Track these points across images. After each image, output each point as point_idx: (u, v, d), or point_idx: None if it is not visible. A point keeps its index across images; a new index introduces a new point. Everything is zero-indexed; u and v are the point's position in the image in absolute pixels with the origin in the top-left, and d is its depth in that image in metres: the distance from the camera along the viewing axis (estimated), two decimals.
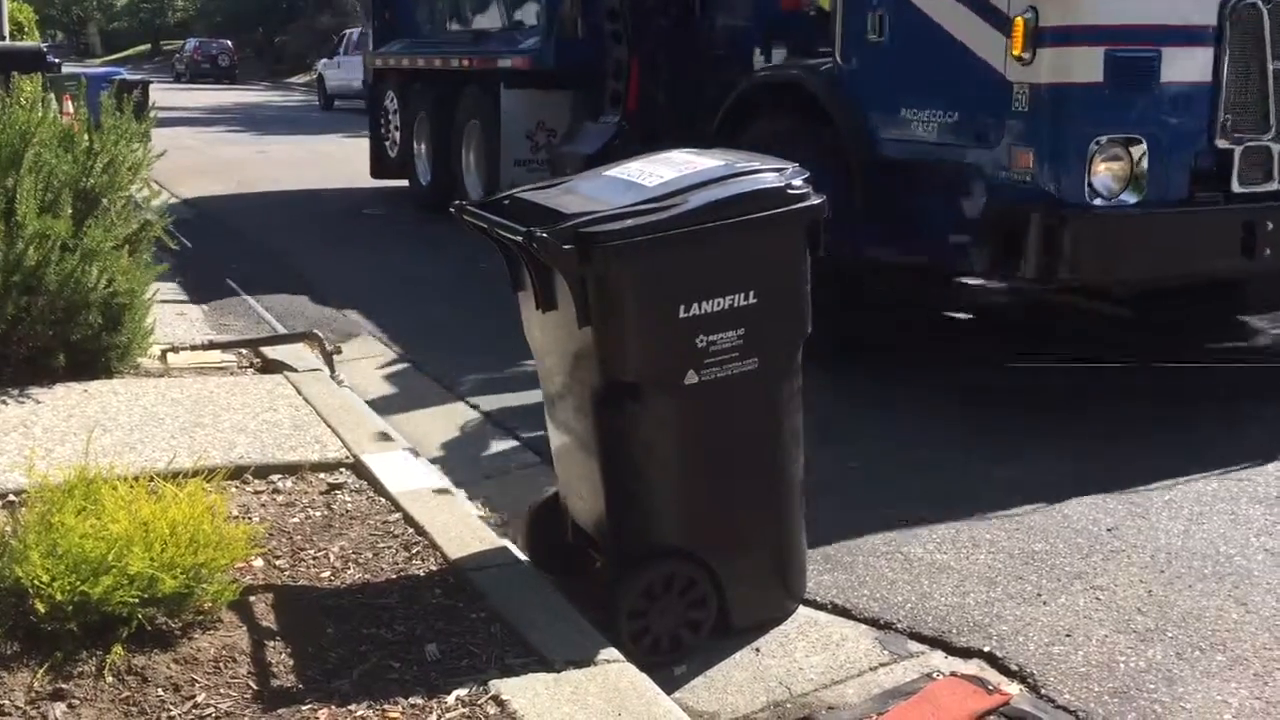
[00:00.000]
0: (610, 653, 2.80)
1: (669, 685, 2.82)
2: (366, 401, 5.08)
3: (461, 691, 2.62)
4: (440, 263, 8.64)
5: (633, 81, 7.29)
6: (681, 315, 2.84)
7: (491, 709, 2.55)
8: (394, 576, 3.24)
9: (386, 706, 2.56)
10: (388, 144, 11.89)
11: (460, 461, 4.50)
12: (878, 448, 4.58)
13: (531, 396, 5.18)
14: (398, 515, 3.66)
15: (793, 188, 2.95)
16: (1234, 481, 4.15)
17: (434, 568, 3.29)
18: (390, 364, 5.96)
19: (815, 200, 2.97)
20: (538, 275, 2.94)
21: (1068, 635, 3.12)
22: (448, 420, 5.02)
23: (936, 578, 3.47)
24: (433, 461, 4.37)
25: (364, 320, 6.81)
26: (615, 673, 2.71)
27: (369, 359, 6.01)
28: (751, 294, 2.90)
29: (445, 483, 4.05)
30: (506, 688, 2.62)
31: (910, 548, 3.68)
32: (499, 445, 4.72)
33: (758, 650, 3.07)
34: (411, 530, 3.55)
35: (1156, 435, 4.65)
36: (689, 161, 3.07)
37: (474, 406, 5.19)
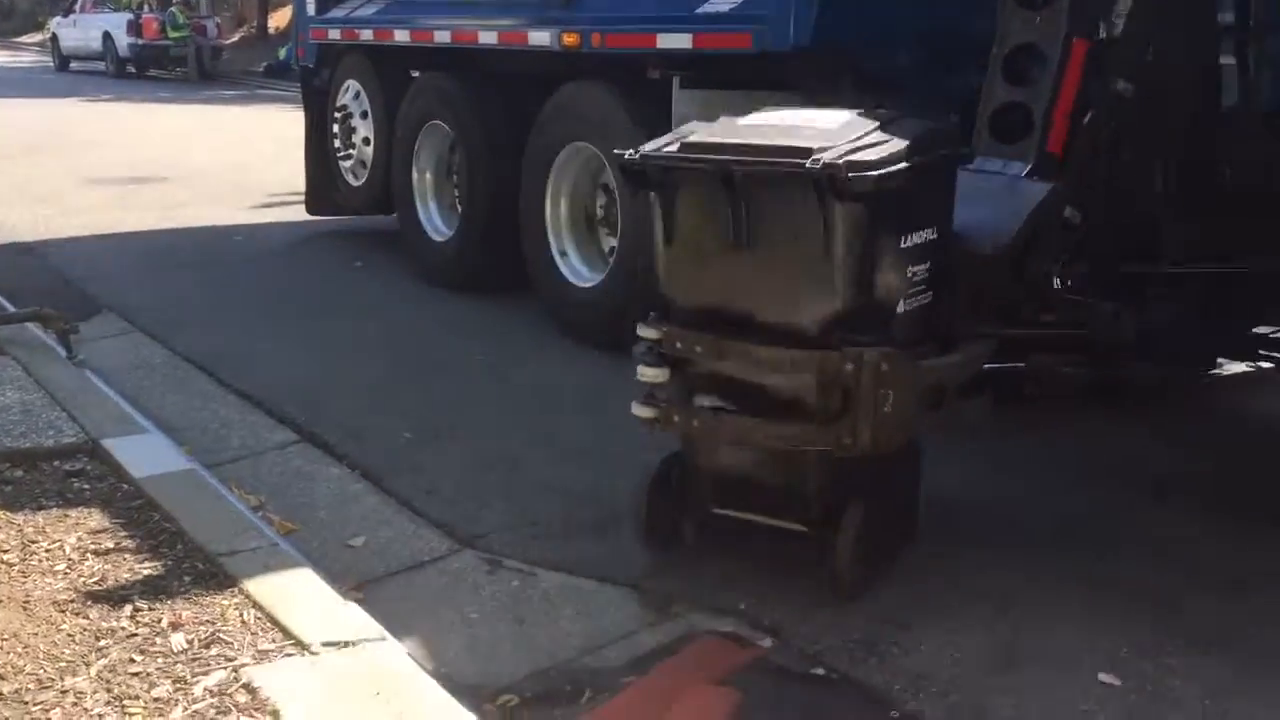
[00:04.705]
0: (371, 631, 2.75)
1: (435, 661, 2.79)
2: (108, 382, 4.79)
3: (209, 681, 2.51)
4: (186, 234, 8.22)
5: (1065, 92, 3.43)
6: (902, 245, 2.95)
7: (242, 697, 2.47)
8: (137, 566, 3.08)
9: (127, 703, 2.43)
10: (347, 165, 7.57)
11: (212, 442, 4.30)
12: None
13: (290, 371, 5.02)
14: (141, 501, 3.48)
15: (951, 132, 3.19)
16: None
17: (182, 554, 3.15)
18: (135, 342, 5.62)
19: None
20: (737, 211, 2.88)
21: (818, 589, 3.26)
22: (198, 399, 4.78)
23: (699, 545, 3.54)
24: (181, 443, 4.17)
25: (105, 296, 6.40)
26: (374, 652, 2.67)
27: (111, 338, 5.66)
28: (934, 230, 3.05)
29: (195, 465, 3.88)
30: (259, 674, 2.54)
31: None
32: (254, 424, 4.52)
33: (522, 621, 3.08)
34: (157, 516, 3.39)
35: None
36: (828, 114, 3.12)
37: (226, 384, 4.96)
